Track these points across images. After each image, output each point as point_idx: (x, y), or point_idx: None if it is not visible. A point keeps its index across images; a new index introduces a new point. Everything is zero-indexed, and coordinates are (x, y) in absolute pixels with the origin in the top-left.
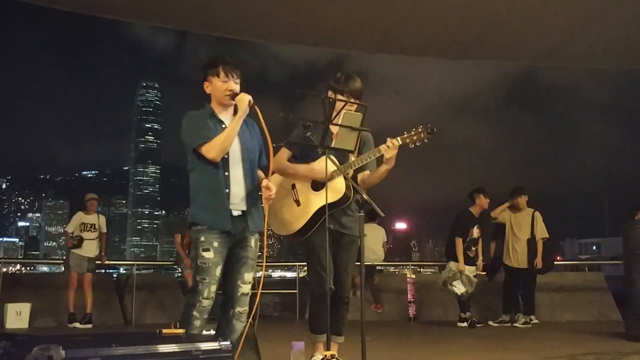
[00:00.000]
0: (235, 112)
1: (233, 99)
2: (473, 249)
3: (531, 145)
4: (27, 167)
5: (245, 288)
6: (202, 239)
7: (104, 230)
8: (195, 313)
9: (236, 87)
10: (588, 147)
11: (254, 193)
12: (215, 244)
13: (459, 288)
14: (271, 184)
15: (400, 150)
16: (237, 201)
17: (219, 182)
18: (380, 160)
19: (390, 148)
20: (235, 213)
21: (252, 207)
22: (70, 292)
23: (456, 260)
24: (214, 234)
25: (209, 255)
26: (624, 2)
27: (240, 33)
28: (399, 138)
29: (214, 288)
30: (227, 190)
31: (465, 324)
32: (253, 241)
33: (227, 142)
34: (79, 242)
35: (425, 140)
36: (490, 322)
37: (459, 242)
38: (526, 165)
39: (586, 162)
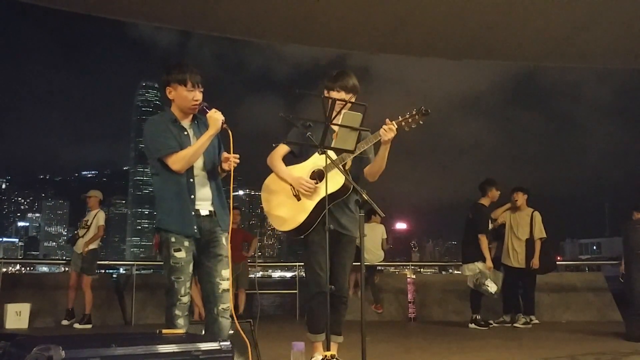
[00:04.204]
0: (194, 117)
1: (203, 114)
2: (491, 244)
3: (532, 146)
4: (27, 167)
5: (225, 284)
6: (173, 239)
7: (99, 224)
8: (177, 312)
9: (200, 96)
10: (589, 147)
11: (219, 194)
12: (186, 244)
13: (492, 287)
14: (228, 154)
15: (401, 149)
16: (204, 202)
17: (183, 187)
18: (377, 147)
19: (387, 131)
20: (203, 212)
21: (219, 207)
22: (68, 291)
23: (482, 259)
24: (183, 235)
25: (181, 255)
26: (625, 1)
27: (241, 33)
28: (394, 122)
29: (188, 284)
30: (193, 197)
31: (475, 325)
32: (224, 239)
33: (195, 157)
34: (71, 239)
35: (420, 122)
36: (491, 322)
37: (484, 239)
38: (527, 165)
39: (587, 162)
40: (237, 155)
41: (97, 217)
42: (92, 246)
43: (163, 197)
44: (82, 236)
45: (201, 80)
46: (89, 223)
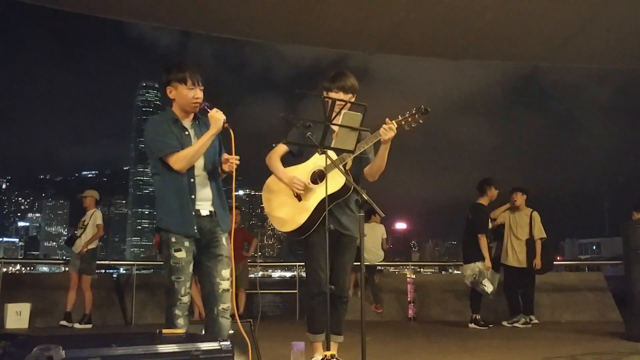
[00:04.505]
0: (195, 117)
1: (204, 113)
2: (491, 244)
3: (532, 146)
4: (27, 167)
5: (225, 284)
6: (173, 239)
7: (97, 223)
8: (177, 312)
9: (201, 95)
10: (589, 146)
11: (220, 194)
12: (187, 244)
13: (489, 287)
14: (228, 155)
15: (401, 149)
16: (204, 203)
17: (184, 187)
18: (377, 147)
19: (387, 131)
20: (204, 213)
21: (220, 208)
22: (69, 292)
23: (482, 259)
24: (183, 234)
25: (181, 255)
26: (625, 2)
27: (240, 33)
28: (394, 121)
29: (188, 284)
30: (193, 196)
31: (475, 325)
32: (224, 239)
33: (196, 157)
34: (68, 240)
35: (420, 121)
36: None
37: (484, 239)
38: (527, 165)
39: (587, 161)
40: (238, 157)
41: (94, 217)
42: (91, 246)
43: (163, 196)
44: (80, 236)
45: (201, 79)
46: (85, 223)
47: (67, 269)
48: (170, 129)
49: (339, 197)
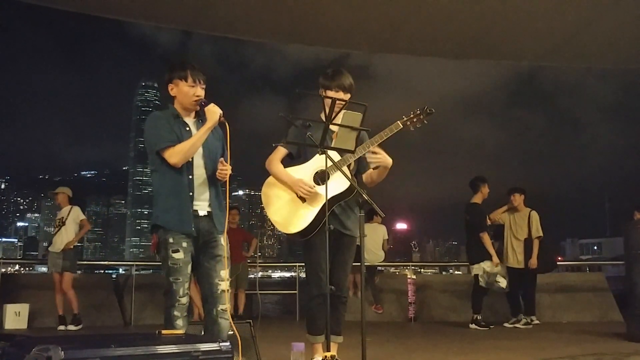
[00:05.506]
0: (197, 115)
1: (202, 108)
2: (493, 241)
3: (533, 145)
4: (26, 167)
5: (224, 285)
6: (171, 240)
7: (81, 217)
8: (176, 313)
9: (202, 93)
10: (590, 146)
11: (218, 194)
12: (184, 244)
13: (502, 282)
14: (222, 164)
15: (401, 149)
16: (202, 203)
17: (182, 184)
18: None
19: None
20: (202, 213)
21: (217, 208)
22: (55, 294)
23: (488, 258)
24: (181, 234)
25: (178, 255)
26: (625, 1)
27: (240, 33)
28: (400, 121)
29: (187, 285)
30: (191, 194)
31: (475, 326)
32: (222, 239)
33: (192, 150)
34: (49, 246)
35: (425, 122)
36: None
37: (486, 237)
38: (528, 165)
39: (588, 161)
40: (230, 167)
41: (73, 213)
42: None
43: (161, 194)
44: (55, 234)
45: (204, 78)
46: (64, 220)
47: None
48: (169, 124)
49: (343, 199)
